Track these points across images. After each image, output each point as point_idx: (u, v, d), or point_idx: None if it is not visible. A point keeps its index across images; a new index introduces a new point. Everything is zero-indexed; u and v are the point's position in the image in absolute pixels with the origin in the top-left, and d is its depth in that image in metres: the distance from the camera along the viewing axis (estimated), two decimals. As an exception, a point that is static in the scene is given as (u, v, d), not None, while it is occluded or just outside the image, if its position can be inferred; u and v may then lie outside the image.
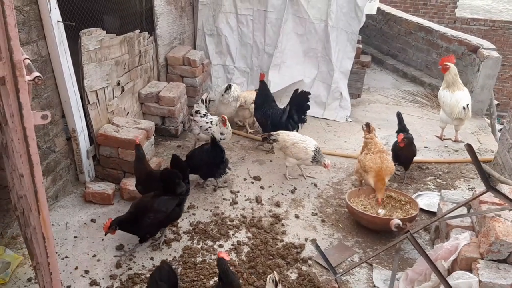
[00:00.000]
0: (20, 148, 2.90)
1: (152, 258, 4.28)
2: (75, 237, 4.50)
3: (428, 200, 5.30)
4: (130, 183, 5.09)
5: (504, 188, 4.30)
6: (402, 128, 5.94)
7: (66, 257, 4.24)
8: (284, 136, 5.66)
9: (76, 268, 4.12)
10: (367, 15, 7.57)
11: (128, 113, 6.07)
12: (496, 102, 8.44)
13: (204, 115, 6.09)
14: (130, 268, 4.15)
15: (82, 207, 4.91)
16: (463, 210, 4.24)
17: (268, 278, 3.10)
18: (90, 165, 5.31)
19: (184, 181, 4.38)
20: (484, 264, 3.55)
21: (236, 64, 8.13)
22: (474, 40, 8.55)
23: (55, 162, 4.83)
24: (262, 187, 5.55)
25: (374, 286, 4.10)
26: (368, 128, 5.45)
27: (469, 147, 3.76)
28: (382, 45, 10.87)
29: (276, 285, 3.06)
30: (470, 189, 5.55)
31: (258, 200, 5.28)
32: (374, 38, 11.11)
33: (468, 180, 5.87)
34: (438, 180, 5.85)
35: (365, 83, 8.65)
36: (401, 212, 4.81)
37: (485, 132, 7.41)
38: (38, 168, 2.91)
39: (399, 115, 6.05)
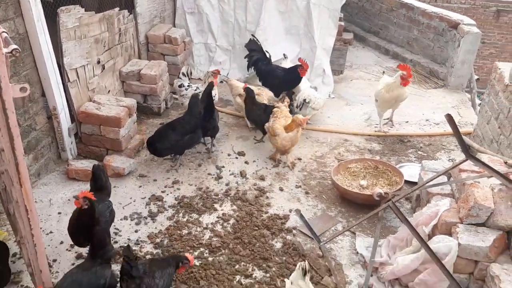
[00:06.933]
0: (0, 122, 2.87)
1: (136, 231, 4.31)
2: (59, 213, 4.49)
3: (409, 171, 5.37)
4: (113, 160, 5.08)
5: (483, 157, 4.39)
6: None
7: (51, 232, 4.24)
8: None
9: (62, 242, 4.12)
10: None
11: (109, 91, 6.01)
12: (476, 76, 8.55)
13: (189, 86, 6.21)
14: (116, 242, 4.16)
15: (65, 184, 4.89)
16: (444, 178, 4.33)
17: (298, 265, 3.08)
18: (72, 143, 5.27)
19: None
20: (463, 228, 3.64)
21: (218, 42, 8.06)
22: (454, 16, 8.61)
23: (36, 140, 4.78)
24: (246, 162, 5.58)
25: (357, 253, 4.18)
26: (281, 99, 5.73)
27: (449, 117, 3.84)
28: (364, 23, 10.89)
29: (305, 273, 3.02)
30: (450, 160, 5.66)
31: (242, 174, 5.31)
32: (356, 15, 11.12)
33: (448, 152, 5.98)
34: (419, 152, 5.94)
35: (347, 60, 8.68)
36: (383, 180, 4.91)
37: (465, 106, 7.52)
38: (19, 141, 2.89)
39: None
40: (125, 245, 4.06)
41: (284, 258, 4.09)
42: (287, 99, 5.69)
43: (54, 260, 3.92)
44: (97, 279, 3.25)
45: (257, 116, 5.95)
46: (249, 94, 6.00)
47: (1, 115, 2.87)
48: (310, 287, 3.05)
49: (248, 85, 6.30)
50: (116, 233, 4.26)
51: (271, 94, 6.50)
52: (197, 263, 3.97)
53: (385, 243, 4.20)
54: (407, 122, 6.74)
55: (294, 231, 4.43)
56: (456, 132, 3.84)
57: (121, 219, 4.45)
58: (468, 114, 7.21)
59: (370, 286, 3.80)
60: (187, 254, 3.56)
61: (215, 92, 6.02)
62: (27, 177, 2.92)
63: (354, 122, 6.73)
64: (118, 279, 3.29)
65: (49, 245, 4.05)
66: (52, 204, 4.60)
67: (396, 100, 6.08)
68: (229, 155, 5.74)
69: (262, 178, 5.27)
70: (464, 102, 7.69)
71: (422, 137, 6.34)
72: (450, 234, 3.68)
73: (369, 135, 6.30)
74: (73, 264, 3.91)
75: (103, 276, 3.29)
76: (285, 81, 6.44)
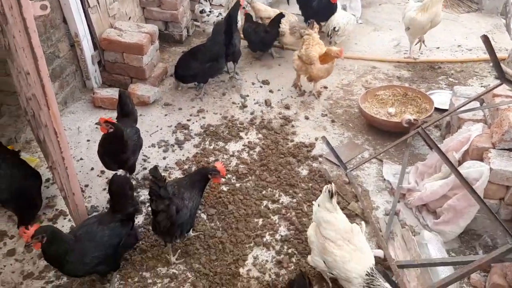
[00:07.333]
0: (22, 42, 2.82)
1: (164, 158, 4.37)
2: (88, 140, 4.56)
3: (439, 98, 5.21)
4: (138, 88, 5.06)
5: (519, 82, 4.21)
6: None
7: (81, 159, 4.33)
8: None
9: (92, 169, 4.22)
10: None
11: (130, 18, 5.86)
12: (513, -1, 8.03)
13: (211, 11, 6.05)
14: (145, 168, 4.24)
15: (92, 112, 4.93)
16: (476, 104, 4.18)
17: (324, 188, 3.05)
18: (96, 71, 5.24)
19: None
20: (495, 153, 3.56)
21: (240, -34, 7.66)
22: None
23: (60, 68, 4.76)
24: (271, 91, 5.49)
25: (384, 179, 4.16)
26: (311, 25, 5.34)
27: (486, 38, 3.63)
28: None
29: (332, 196, 3.01)
30: (483, 87, 5.44)
31: (267, 103, 5.24)
32: None
33: (481, 79, 5.75)
34: (450, 79, 5.73)
35: (376, -17, 8.22)
36: (412, 108, 4.79)
37: (500, 31, 7.13)
38: (43, 62, 2.85)
39: None
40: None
41: (310, 184, 4.11)
42: (316, 25, 5.42)
43: (86, 186, 4.04)
44: (111, 237, 3.08)
45: (247, 34, 5.92)
46: (247, 19, 6.06)
47: (23, 35, 2.82)
48: (337, 209, 3.06)
49: (248, 11, 6.24)
50: (145, 160, 4.34)
51: (293, 19, 6.22)
52: (225, 189, 4.03)
53: (413, 170, 4.16)
54: (438, 48, 6.45)
55: (320, 159, 4.42)
56: (492, 54, 3.65)
57: (149, 147, 4.50)
58: (502, 39, 6.84)
59: (397, 212, 3.81)
60: (216, 163, 3.50)
61: (239, 18, 5.81)
62: (54, 99, 2.92)
63: (383, 48, 6.47)
64: (151, 215, 3.18)
65: (80, 171, 4.15)
66: (81, 132, 4.66)
67: (431, 22, 5.71)
68: (253, 83, 5.64)
69: (287, 107, 5.20)
70: (499, 27, 7.28)
71: (454, 63, 6.08)
72: (481, 160, 3.60)
73: (398, 62, 6.08)
74: (104, 189, 4.01)
75: (118, 234, 3.12)
76: (322, 9, 6.14)
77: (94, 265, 3.03)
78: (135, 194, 3.92)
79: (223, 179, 3.77)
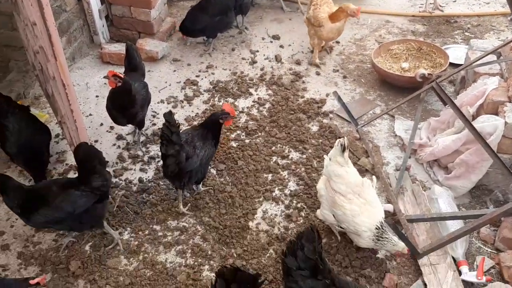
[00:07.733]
0: (28, -10, 2.76)
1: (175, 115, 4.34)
2: (97, 96, 4.55)
3: (455, 53, 5.06)
4: (146, 43, 4.99)
5: (539, 34, 4.06)
6: None
7: (90, 114, 4.33)
8: None
9: (101, 124, 4.22)
10: None
11: (136, -29, 5.72)
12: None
13: None
14: (154, 124, 4.24)
15: (100, 68, 4.89)
16: (493, 58, 4.06)
17: (336, 142, 3.01)
18: (103, 26, 5.16)
19: None
20: (511, 107, 3.47)
21: None
22: None
23: (67, 22, 4.69)
24: (281, 46, 5.38)
25: (396, 135, 4.11)
26: None
27: (506, -12, 3.48)
28: None
29: (344, 150, 2.97)
30: (500, 42, 5.27)
31: (277, 58, 5.14)
32: None
33: (498, 33, 5.55)
34: (467, 33, 5.55)
35: None
36: (426, 62, 4.67)
37: (521, -17, 6.84)
38: (49, 10, 2.81)
39: None
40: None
41: (320, 140, 4.07)
42: None
43: (96, 141, 4.05)
44: (63, 201, 2.91)
45: None
46: None
47: (28, -18, 2.77)
48: (348, 163, 3.03)
49: None
50: (154, 116, 4.33)
51: None
52: (234, 145, 4.01)
53: (425, 126, 4.10)
54: (455, 1, 6.22)
55: (330, 115, 4.37)
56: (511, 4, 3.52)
57: (158, 103, 4.48)
58: (523, -8, 6.57)
59: (408, 167, 3.77)
60: (224, 105, 3.44)
61: None
62: (61, 50, 2.89)
63: (397, 2, 6.25)
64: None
65: (89, 127, 4.15)
66: (89, 87, 4.64)
67: None
68: (263, 39, 5.52)
69: (298, 63, 5.10)
70: (520, -21, 6.98)
71: (470, 17, 5.87)
72: (496, 114, 3.52)
73: (413, 16, 5.88)
74: (114, 144, 4.03)
75: (74, 203, 2.92)
76: None
77: (44, 222, 2.97)
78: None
79: (233, 119, 3.76)
